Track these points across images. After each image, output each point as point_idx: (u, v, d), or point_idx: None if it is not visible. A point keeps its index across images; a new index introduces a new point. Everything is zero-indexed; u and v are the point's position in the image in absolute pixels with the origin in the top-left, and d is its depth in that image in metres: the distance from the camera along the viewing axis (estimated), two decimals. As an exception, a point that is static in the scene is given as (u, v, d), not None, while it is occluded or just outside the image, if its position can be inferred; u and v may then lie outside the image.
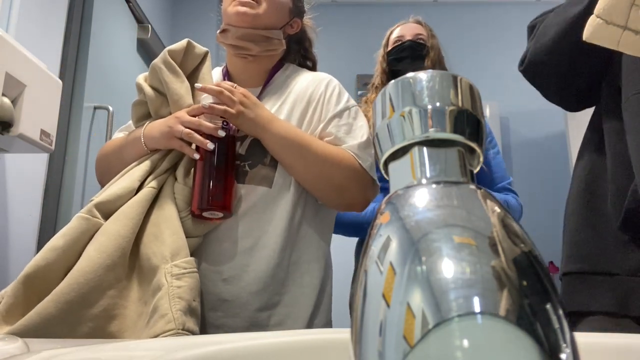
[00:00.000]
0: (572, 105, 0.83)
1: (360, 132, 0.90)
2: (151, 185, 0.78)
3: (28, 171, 1.68)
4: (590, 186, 0.73)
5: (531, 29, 0.83)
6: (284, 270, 0.82)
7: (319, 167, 0.83)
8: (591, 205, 0.73)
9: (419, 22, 1.51)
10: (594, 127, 0.77)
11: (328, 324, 0.89)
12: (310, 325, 0.83)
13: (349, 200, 0.88)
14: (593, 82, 0.76)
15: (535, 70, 0.79)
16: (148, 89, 0.86)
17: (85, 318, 0.66)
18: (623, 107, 0.65)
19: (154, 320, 0.65)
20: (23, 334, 0.62)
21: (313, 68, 1.06)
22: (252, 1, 0.88)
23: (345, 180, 0.85)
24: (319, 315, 0.85)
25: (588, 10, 0.60)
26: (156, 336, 0.63)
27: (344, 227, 1.37)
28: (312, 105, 0.92)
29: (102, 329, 0.67)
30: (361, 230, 1.38)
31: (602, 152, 0.72)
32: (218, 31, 0.94)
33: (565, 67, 0.74)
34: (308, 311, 0.83)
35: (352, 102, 0.95)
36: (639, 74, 0.64)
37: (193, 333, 0.67)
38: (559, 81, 0.78)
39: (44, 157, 1.77)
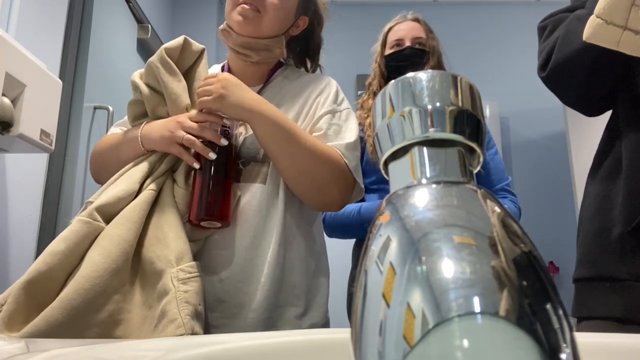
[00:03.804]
0: (592, 110, 0.83)
1: (349, 134, 0.89)
2: (151, 187, 0.77)
3: (28, 171, 1.68)
4: (605, 193, 0.73)
5: (542, 29, 0.83)
6: (278, 269, 0.82)
7: (305, 160, 0.81)
8: (602, 211, 0.73)
9: (417, 20, 1.48)
10: (611, 131, 0.76)
11: (326, 323, 0.88)
12: (305, 323, 0.82)
13: (328, 199, 0.85)
14: (613, 87, 0.76)
15: (560, 77, 0.78)
16: (144, 88, 0.85)
17: (92, 324, 0.65)
18: None
19: (162, 325, 0.65)
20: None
21: (314, 69, 1.05)
22: (255, 11, 0.87)
23: (329, 178, 0.82)
24: (314, 314, 0.85)
25: None
26: None
27: (334, 229, 1.38)
28: (308, 104, 0.92)
29: (108, 334, 0.66)
30: (350, 232, 1.38)
31: (620, 158, 0.71)
32: (220, 27, 0.94)
33: (589, 74, 0.74)
34: (301, 309, 0.82)
35: (347, 104, 0.94)
36: None
37: None
38: (582, 88, 0.77)
39: (44, 157, 1.78)
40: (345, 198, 0.87)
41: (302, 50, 1.03)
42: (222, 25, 0.95)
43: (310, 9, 0.99)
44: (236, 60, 0.96)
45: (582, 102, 0.82)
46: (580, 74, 0.75)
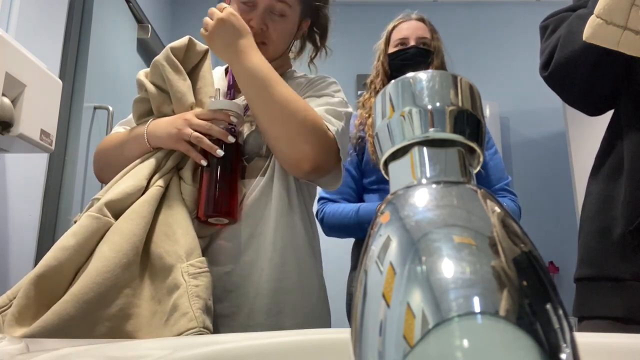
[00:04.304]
0: (594, 109, 0.82)
1: (335, 105, 0.87)
2: (158, 184, 0.78)
3: (28, 171, 1.68)
4: (606, 192, 0.73)
5: (543, 29, 0.83)
6: (277, 254, 0.82)
7: (278, 108, 0.79)
8: (604, 211, 0.73)
9: (422, 20, 1.48)
10: (613, 131, 0.76)
11: (326, 315, 0.89)
12: (309, 314, 0.83)
13: (299, 153, 0.80)
14: (615, 87, 0.76)
15: (561, 76, 0.78)
16: (150, 86, 0.86)
17: (103, 318, 0.66)
18: None
19: (174, 319, 0.66)
20: (41, 335, 0.62)
21: (319, 48, 1.04)
22: (261, 44, 0.88)
23: (300, 130, 0.80)
24: (318, 302, 0.86)
25: None
26: (179, 334, 0.64)
27: (333, 228, 1.37)
28: (302, 93, 0.92)
29: (118, 328, 0.67)
30: (347, 232, 1.38)
31: (621, 158, 0.71)
32: None
33: (591, 73, 0.74)
34: (305, 297, 0.83)
35: (342, 95, 0.93)
36: None
37: (210, 331, 0.68)
38: (584, 87, 0.77)
39: (44, 157, 1.77)
40: (319, 156, 0.81)
41: (309, 29, 1.03)
42: None
43: (312, 9, 0.98)
44: None
45: (584, 102, 0.81)
46: (582, 73, 0.75)
